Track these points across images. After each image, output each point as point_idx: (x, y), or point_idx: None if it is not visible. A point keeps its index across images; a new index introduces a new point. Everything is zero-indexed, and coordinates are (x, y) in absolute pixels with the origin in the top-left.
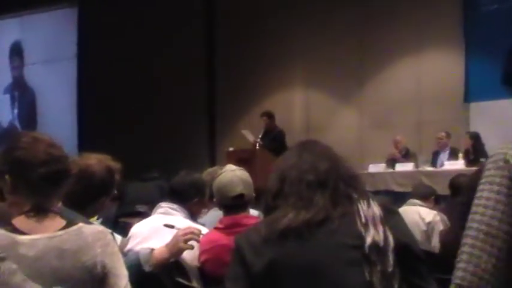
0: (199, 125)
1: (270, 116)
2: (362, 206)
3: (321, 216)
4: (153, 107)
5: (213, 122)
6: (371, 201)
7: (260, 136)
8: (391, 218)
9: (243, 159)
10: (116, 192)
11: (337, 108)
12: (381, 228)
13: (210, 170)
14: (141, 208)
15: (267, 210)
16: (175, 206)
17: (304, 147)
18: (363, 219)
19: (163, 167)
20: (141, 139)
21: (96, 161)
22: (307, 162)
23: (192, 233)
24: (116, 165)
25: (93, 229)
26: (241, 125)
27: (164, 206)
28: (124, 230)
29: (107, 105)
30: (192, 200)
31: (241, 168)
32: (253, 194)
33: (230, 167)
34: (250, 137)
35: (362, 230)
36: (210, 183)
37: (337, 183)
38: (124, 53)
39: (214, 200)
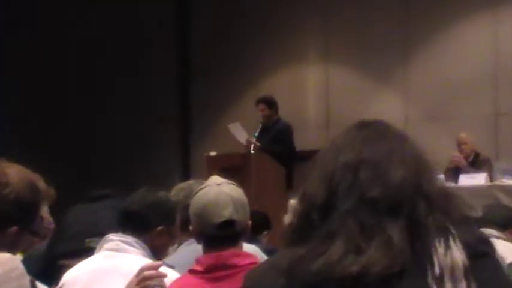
0: (166, 118)
1: (269, 103)
2: (438, 248)
3: (397, 265)
4: (104, 100)
5: (186, 114)
6: (450, 240)
7: (256, 133)
8: (481, 267)
9: (230, 168)
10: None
11: (371, 94)
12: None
13: (182, 185)
14: (93, 243)
15: (292, 238)
16: (129, 238)
17: (367, 135)
18: (437, 271)
19: (118, 182)
20: (86, 144)
21: (15, 171)
22: (369, 165)
23: (152, 277)
24: (43, 185)
25: None
26: (227, 118)
27: (114, 239)
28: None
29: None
30: (154, 229)
31: (231, 182)
32: (249, 221)
33: (215, 179)
34: (241, 135)
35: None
36: (182, 204)
37: (417, 205)
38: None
39: (191, 228)
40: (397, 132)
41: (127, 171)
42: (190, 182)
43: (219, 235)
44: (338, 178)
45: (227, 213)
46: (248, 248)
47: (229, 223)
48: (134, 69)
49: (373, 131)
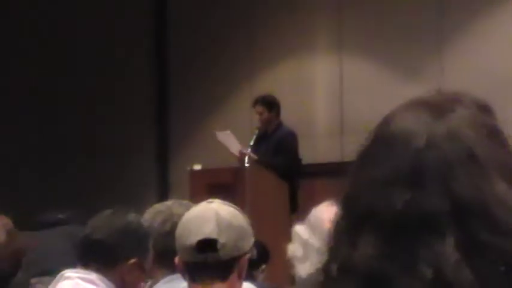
0: (138, 123)
1: (269, 104)
2: None
3: None
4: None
5: (163, 118)
6: None
7: (252, 142)
8: None
9: (219, 185)
10: None
11: (397, 92)
12: None
13: (158, 206)
14: (41, 283)
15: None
16: (92, 275)
17: (439, 112)
18: None
19: (79, 200)
20: (39, 159)
21: None
22: (434, 159)
23: None
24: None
25: None
26: (215, 124)
27: (72, 277)
28: None
29: None
30: (124, 262)
31: (230, 204)
32: (247, 247)
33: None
34: (233, 145)
35: None
36: (158, 230)
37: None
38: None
39: (176, 260)
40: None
41: (90, 188)
42: (169, 203)
43: (200, 262)
44: (380, 176)
45: (207, 229)
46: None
47: (209, 244)
48: (104, 68)
49: (446, 105)
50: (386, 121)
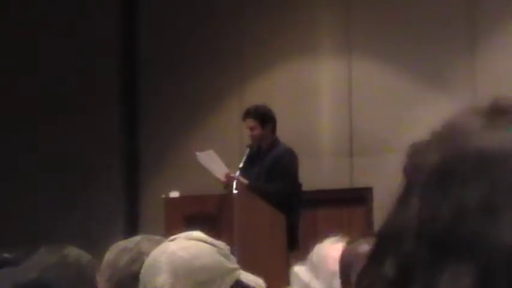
0: (102, 142)
1: (263, 117)
2: None
3: None
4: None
5: (132, 135)
6: None
7: (241, 164)
8: None
9: (200, 215)
10: None
11: (420, 101)
12: None
13: (124, 243)
14: None
15: None
16: None
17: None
18: None
19: (24, 239)
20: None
21: None
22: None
23: None
24: None
25: None
26: (195, 142)
27: None
28: None
29: None
30: None
31: (201, 237)
32: None
33: (185, 235)
34: (217, 167)
35: None
36: (124, 272)
37: None
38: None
39: None
40: None
41: (47, 220)
42: (137, 238)
43: None
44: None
45: (158, 282)
46: None
47: None
48: (65, 77)
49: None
50: (463, 135)
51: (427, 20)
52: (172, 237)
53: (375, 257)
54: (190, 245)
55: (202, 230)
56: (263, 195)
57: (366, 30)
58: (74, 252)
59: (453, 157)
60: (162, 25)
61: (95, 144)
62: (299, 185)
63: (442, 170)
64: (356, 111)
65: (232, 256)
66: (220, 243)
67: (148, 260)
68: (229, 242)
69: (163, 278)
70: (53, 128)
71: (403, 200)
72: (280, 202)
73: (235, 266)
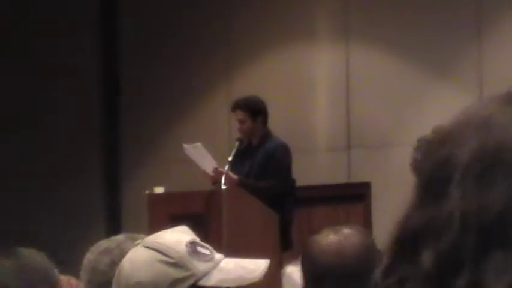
0: (82, 134)
1: (253, 109)
2: None
3: None
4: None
5: (113, 127)
6: None
7: (231, 157)
8: None
9: (187, 213)
10: None
11: (423, 91)
12: None
13: (105, 243)
14: None
15: None
16: None
17: None
18: None
19: (6, 238)
20: None
21: None
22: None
23: None
24: None
25: None
26: (181, 135)
27: None
28: None
29: None
30: None
31: (158, 245)
32: None
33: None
34: (205, 161)
35: None
36: (106, 275)
37: None
38: None
39: None
40: None
41: (25, 218)
42: (119, 238)
43: None
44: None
45: None
46: None
47: None
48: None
49: None
50: (501, 125)
51: (430, 5)
52: (137, 242)
53: (403, 252)
54: (136, 257)
55: (189, 228)
56: (254, 192)
57: (365, 16)
58: (27, 254)
59: (496, 147)
60: (144, 12)
61: (73, 138)
62: (293, 181)
63: (485, 159)
64: (354, 102)
65: (194, 261)
66: (173, 249)
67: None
68: (218, 241)
69: None
70: (31, 125)
71: (434, 192)
72: (273, 199)
73: (189, 273)
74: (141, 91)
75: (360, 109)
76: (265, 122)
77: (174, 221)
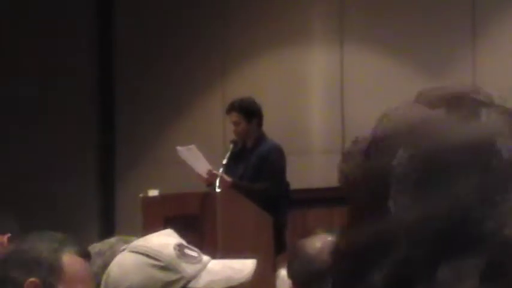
0: (75, 135)
1: (248, 111)
2: None
3: None
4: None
5: (107, 129)
6: None
7: (225, 160)
8: None
9: (181, 216)
10: None
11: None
12: None
13: (98, 246)
14: None
15: None
16: None
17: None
18: None
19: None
20: None
21: None
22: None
23: None
24: None
25: None
26: (177, 136)
27: None
28: None
29: None
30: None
31: (145, 249)
32: None
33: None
34: (199, 163)
35: None
36: (98, 277)
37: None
38: None
39: None
40: None
41: (19, 220)
42: (112, 240)
43: None
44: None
45: None
46: None
47: None
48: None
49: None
50: (436, 130)
51: (425, 8)
52: (123, 247)
53: (350, 273)
54: (124, 262)
55: (183, 231)
56: (248, 195)
57: (360, 18)
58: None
59: (432, 153)
60: (140, 13)
61: (68, 140)
62: (287, 184)
63: (421, 167)
64: (349, 104)
65: (183, 264)
66: (163, 253)
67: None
68: (212, 243)
69: None
70: (26, 126)
71: (373, 208)
72: (267, 202)
73: (179, 276)
74: (136, 92)
75: (354, 111)
76: (260, 123)
77: (168, 222)
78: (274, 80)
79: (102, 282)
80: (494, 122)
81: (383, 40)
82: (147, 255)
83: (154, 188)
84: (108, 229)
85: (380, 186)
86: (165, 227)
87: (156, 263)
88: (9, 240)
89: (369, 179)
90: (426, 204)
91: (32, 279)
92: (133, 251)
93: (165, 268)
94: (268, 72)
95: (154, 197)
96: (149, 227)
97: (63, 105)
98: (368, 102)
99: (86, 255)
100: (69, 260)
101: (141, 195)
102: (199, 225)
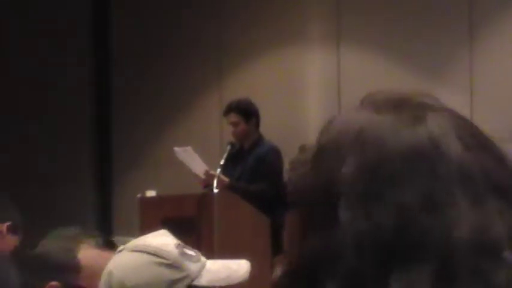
0: (73, 137)
1: (246, 112)
2: None
3: None
4: None
5: (103, 130)
6: None
7: (222, 161)
8: None
9: (178, 217)
10: None
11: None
12: None
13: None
14: None
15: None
16: None
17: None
18: None
19: None
20: None
21: None
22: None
23: None
24: None
25: None
26: (174, 137)
27: None
28: None
29: None
30: None
31: (148, 247)
32: None
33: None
34: (196, 164)
35: None
36: None
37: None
38: None
39: None
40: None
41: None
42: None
43: None
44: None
45: None
46: None
47: None
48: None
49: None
50: (378, 137)
51: (422, 9)
52: (119, 248)
53: (301, 285)
54: (129, 261)
55: (180, 232)
56: (245, 196)
57: (357, 19)
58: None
59: (377, 161)
60: (138, 13)
61: (66, 140)
62: (284, 185)
63: (368, 176)
64: (346, 105)
65: (186, 262)
66: (167, 251)
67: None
68: (209, 245)
69: None
70: (23, 127)
71: (322, 218)
72: (263, 203)
73: (184, 273)
74: (133, 94)
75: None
76: (257, 124)
77: (165, 224)
78: (271, 81)
79: (102, 283)
80: (440, 125)
81: (380, 41)
82: (153, 254)
83: (152, 189)
84: (105, 230)
85: (329, 194)
86: (162, 228)
87: (162, 261)
88: (8, 228)
89: (318, 187)
90: (373, 214)
91: (52, 283)
92: (135, 250)
93: (171, 266)
94: (266, 73)
95: (151, 198)
96: (146, 228)
97: (62, 106)
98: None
99: (104, 245)
100: (86, 254)
101: (138, 195)
102: (197, 226)
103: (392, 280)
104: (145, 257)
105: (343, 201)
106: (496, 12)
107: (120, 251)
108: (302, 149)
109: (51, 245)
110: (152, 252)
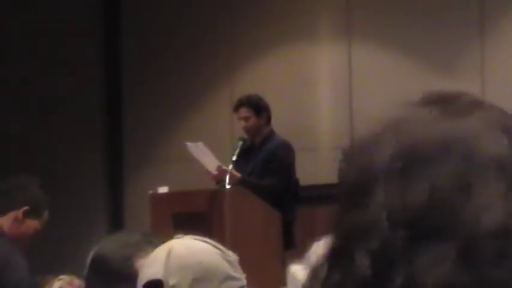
0: (84, 135)
1: (257, 107)
2: None
3: None
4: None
5: (115, 126)
6: None
7: (234, 156)
8: None
9: (190, 212)
10: None
11: (425, 89)
12: None
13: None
14: None
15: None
16: None
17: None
18: None
19: None
20: None
21: None
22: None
23: None
24: None
25: None
26: (185, 133)
27: None
28: None
29: None
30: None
31: (201, 238)
32: None
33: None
34: (208, 160)
35: None
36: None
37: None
38: None
39: None
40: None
41: None
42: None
43: None
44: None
45: (151, 270)
46: None
47: (154, 286)
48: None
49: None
50: (420, 125)
51: (433, 4)
52: (177, 236)
53: (337, 260)
54: (193, 244)
55: (191, 228)
56: (257, 191)
57: (368, 14)
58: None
59: (412, 146)
60: (146, 12)
61: (76, 138)
62: (296, 181)
63: (403, 159)
64: (357, 100)
65: (239, 268)
66: (229, 252)
67: (151, 254)
68: (221, 240)
69: (156, 268)
70: (34, 125)
71: (358, 196)
72: (276, 198)
73: (240, 276)
74: (143, 91)
75: (363, 107)
76: (268, 119)
77: (176, 220)
78: (282, 77)
79: (160, 260)
80: (486, 120)
81: (390, 36)
82: (217, 247)
83: (163, 185)
84: (117, 227)
85: (368, 176)
86: (173, 224)
87: (224, 255)
88: (25, 213)
89: (359, 170)
90: (408, 190)
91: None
92: (198, 239)
93: (232, 263)
94: (276, 69)
95: (162, 195)
96: (157, 224)
97: (70, 106)
98: (376, 98)
99: None
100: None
101: (150, 192)
102: (208, 222)
103: (418, 254)
104: (210, 246)
105: (380, 181)
106: (506, 7)
107: (180, 237)
108: (353, 139)
109: (109, 248)
110: (216, 245)
